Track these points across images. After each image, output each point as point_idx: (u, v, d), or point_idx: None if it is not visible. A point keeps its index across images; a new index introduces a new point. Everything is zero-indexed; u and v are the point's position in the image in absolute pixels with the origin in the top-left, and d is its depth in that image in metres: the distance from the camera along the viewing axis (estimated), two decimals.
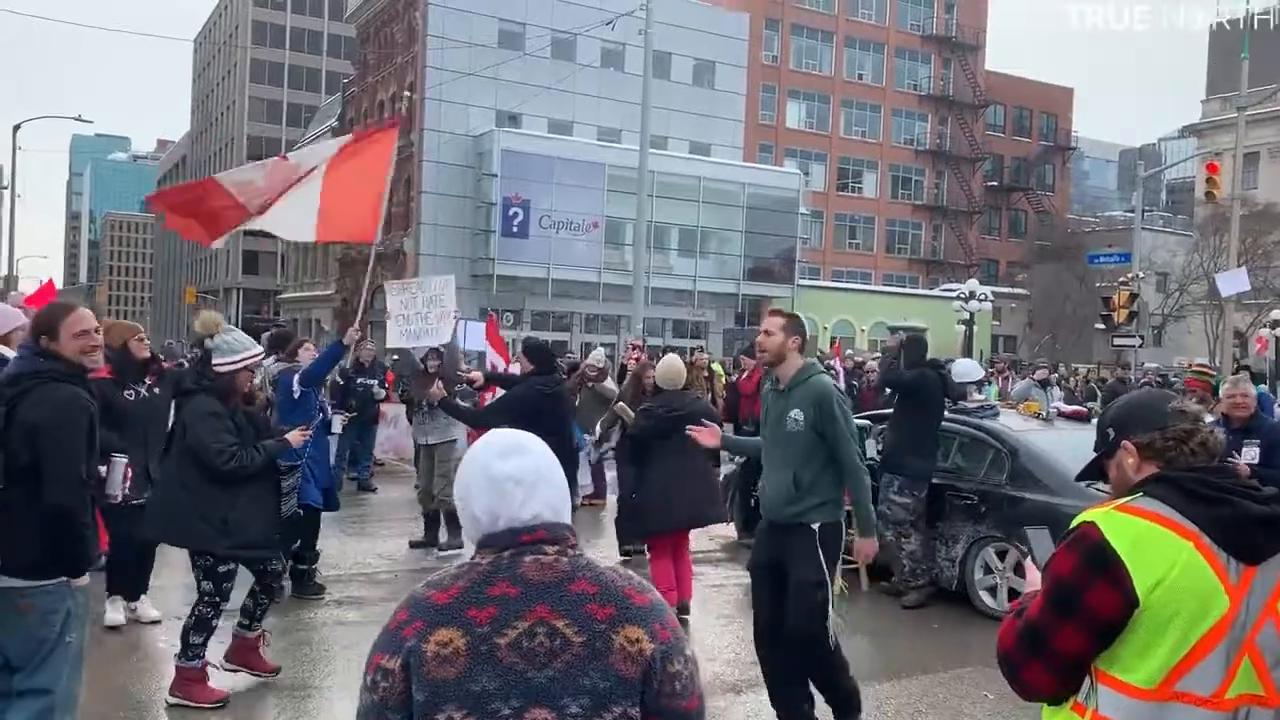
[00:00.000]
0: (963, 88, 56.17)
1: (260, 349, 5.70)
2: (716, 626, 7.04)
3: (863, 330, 44.54)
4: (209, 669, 5.29)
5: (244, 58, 78.49)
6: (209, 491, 5.03)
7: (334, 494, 7.73)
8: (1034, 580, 2.28)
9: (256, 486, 5.17)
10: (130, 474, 5.48)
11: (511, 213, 36.67)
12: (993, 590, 7.48)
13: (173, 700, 5.14)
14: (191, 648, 5.15)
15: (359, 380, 13.33)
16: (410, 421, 13.22)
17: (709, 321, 40.60)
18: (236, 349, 5.26)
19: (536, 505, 1.82)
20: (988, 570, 7.51)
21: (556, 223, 37.36)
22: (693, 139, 42.40)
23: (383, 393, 13.60)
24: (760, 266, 42.31)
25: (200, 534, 5.06)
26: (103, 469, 5.04)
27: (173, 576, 7.24)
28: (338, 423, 7.95)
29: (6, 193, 46.82)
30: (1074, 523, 2.13)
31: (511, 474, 1.82)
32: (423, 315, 8.69)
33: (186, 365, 8.48)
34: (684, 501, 6.85)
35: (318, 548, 7.69)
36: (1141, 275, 29.34)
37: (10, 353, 5.84)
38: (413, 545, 9.26)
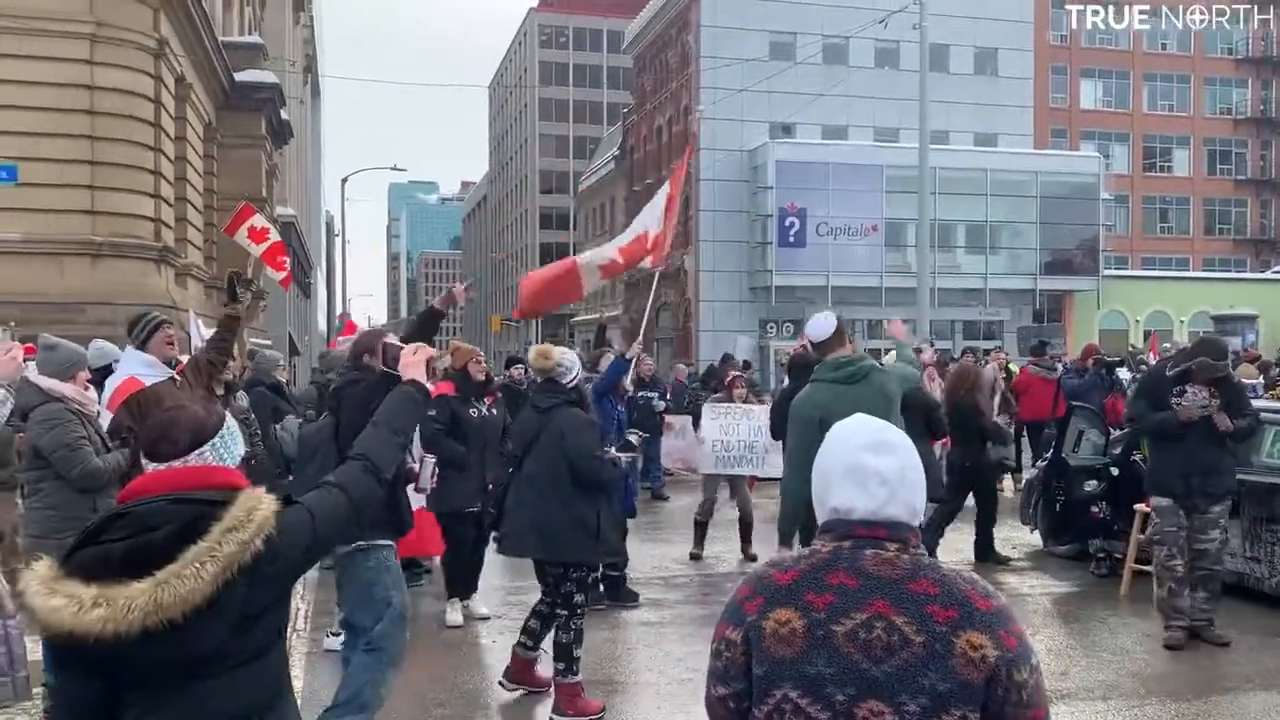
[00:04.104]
0: None
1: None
2: None
3: (1181, 321, 40.45)
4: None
5: (533, 98, 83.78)
6: (582, 503, 5.27)
7: (633, 500, 8.12)
8: None
9: (603, 495, 5.46)
10: (436, 472, 6.19)
11: (788, 223, 36.65)
12: None
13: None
14: (575, 662, 5.31)
15: (640, 394, 13.84)
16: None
17: (1003, 320, 38.53)
18: (573, 366, 5.60)
19: (895, 507, 1.83)
20: None
21: (834, 229, 36.91)
22: (977, 130, 40.54)
23: (663, 405, 14.01)
24: (1059, 259, 39.67)
25: (582, 546, 5.30)
26: (415, 465, 5.71)
27: (490, 579, 7.83)
28: (634, 439, 8.22)
29: (338, 240, 52.61)
30: None
31: (879, 471, 1.83)
32: (746, 444, 8.58)
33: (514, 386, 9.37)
34: None
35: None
36: None
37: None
38: (692, 556, 9.37)
